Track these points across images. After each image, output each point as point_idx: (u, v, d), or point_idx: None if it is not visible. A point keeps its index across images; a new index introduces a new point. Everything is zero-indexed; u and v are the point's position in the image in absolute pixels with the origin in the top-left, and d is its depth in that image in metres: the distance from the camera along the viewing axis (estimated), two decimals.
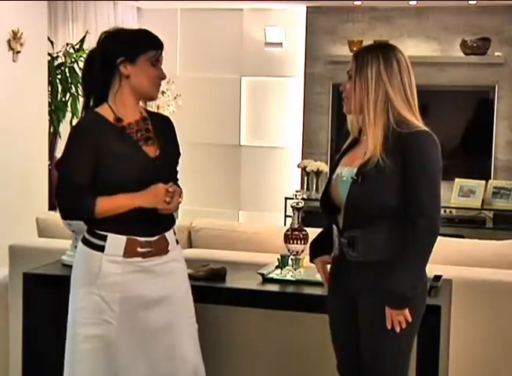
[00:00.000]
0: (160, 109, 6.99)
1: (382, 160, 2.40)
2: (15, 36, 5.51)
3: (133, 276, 2.63)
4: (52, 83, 6.30)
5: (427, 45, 7.25)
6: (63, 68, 6.51)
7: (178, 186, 2.72)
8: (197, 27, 8.00)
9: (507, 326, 3.14)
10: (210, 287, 2.86)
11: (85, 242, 2.67)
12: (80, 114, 2.74)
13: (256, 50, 7.89)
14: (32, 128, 5.78)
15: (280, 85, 7.90)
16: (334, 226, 2.58)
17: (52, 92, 6.35)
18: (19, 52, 5.56)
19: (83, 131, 2.63)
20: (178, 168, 2.79)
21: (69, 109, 6.50)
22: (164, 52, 2.69)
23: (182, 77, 7.81)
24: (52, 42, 6.53)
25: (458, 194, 6.83)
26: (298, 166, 7.28)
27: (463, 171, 6.94)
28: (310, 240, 2.83)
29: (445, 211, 6.75)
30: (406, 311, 2.41)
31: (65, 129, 6.57)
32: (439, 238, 2.45)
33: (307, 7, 7.55)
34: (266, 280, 3.04)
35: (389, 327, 2.42)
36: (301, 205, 3.10)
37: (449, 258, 3.27)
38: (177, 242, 2.76)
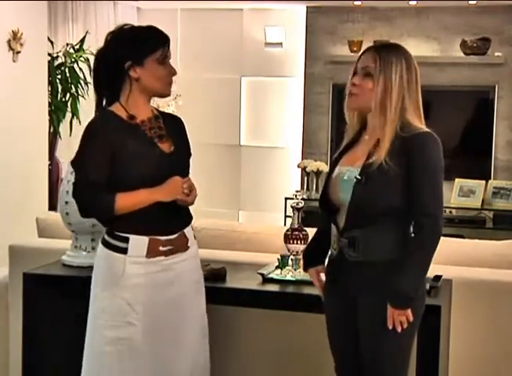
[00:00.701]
0: (160, 109, 6.98)
1: (385, 162, 2.40)
2: (15, 36, 5.51)
3: (155, 276, 2.63)
4: (52, 83, 6.30)
5: (427, 45, 7.25)
6: (63, 68, 6.52)
7: None
8: (197, 27, 8.00)
9: (507, 326, 3.14)
10: (210, 287, 2.86)
11: (106, 244, 2.65)
12: (94, 113, 2.72)
13: (256, 50, 7.89)
14: (32, 128, 5.78)
15: (280, 85, 7.90)
16: (333, 226, 2.57)
17: (52, 92, 6.35)
18: (19, 52, 5.56)
19: (97, 129, 2.62)
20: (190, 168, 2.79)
21: (69, 109, 6.51)
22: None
23: (182, 77, 7.79)
24: (52, 42, 6.53)
25: (458, 194, 6.83)
26: (298, 166, 7.28)
27: (463, 171, 6.94)
28: (306, 244, 2.84)
29: (445, 211, 6.71)
30: (409, 311, 2.41)
31: (65, 129, 6.58)
32: None
33: (307, 7, 7.55)
34: (266, 280, 3.04)
35: (390, 327, 2.42)
36: (301, 205, 3.10)
37: (449, 258, 3.27)
38: (194, 237, 2.77)
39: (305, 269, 2.75)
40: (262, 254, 3.40)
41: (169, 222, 2.66)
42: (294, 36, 7.73)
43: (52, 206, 5.92)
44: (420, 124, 2.47)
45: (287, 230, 3.09)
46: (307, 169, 7.10)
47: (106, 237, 2.66)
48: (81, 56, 6.53)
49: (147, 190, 2.59)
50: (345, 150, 2.61)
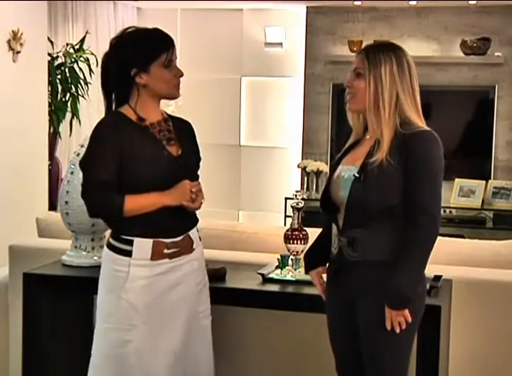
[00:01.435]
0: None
1: (386, 160, 2.41)
2: (15, 36, 5.50)
3: (160, 278, 2.63)
4: (52, 83, 6.31)
5: (427, 45, 7.26)
6: (63, 68, 6.52)
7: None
8: (197, 27, 8.01)
9: (507, 326, 3.14)
10: (210, 287, 2.85)
11: (111, 247, 2.65)
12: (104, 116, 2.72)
13: (256, 50, 7.90)
14: (32, 128, 5.78)
15: (280, 85, 7.91)
16: (334, 225, 2.58)
17: (52, 92, 6.35)
18: (19, 52, 5.56)
19: (106, 129, 2.62)
20: (199, 173, 2.78)
21: (69, 109, 6.51)
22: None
23: (182, 77, 7.80)
24: (52, 42, 6.53)
25: (458, 194, 6.83)
26: (298, 166, 7.28)
27: (463, 171, 6.94)
28: (307, 245, 2.84)
29: (444, 211, 6.75)
30: (406, 311, 2.41)
31: (65, 129, 6.59)
32: (439, 238, 2.45)
33: (307, 7, 7.55)
34: (266, 280, 3.04)
35: (389, 328, 2.42)
36: (301, 205, 3.10)
37: (449, 258, 3.27)
38: (200, 239, 2.77)
39: (307, 272, 2.76)
40: (262, 254, 3.40)
41: (174, 224, 2.66)
42: (294, 36, 7.74)
43: (52, 206, 5.93)
44: (419, 120, 2.48)
45: (287, 230, 3.09)
46: (307, 169, 7.10)
47: (111, 240, 2.66)
48: (81, 56, 6.53)
49: (156, 194, 2.59)
50: (348, 151, 2.62)
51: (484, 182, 6.83)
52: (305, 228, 3.08)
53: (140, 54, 2.61)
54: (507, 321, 3.14)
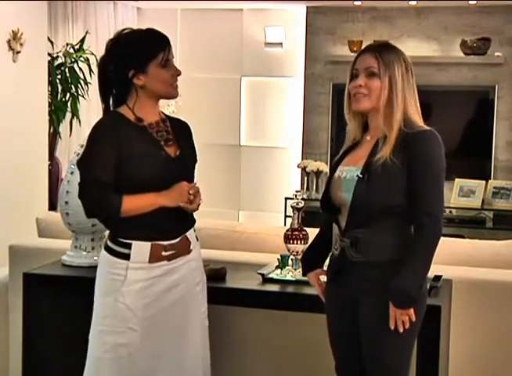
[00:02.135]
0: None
1: (390, 159, 2.41)
2: (15, 36, 5.50)
3: (158, 280, 2.63)
4: (52, 83, 6.30)
5: (427, 45, 7.25)
6: (63, 68, 6.52)
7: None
8: (197, 27, 8.01)
9: (507, 326, 3.14)
10: (210, 287, 2.85)
11: (109, 250, 2.65)
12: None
13: (256, 50, 7.89)
14: (32, 128, 5.78)
15: (280, 85, 7.91)
16: (335, 226, 2.57)
17: (52, 92, 6.35)
18: (19, 52, 5.55)
19: (104, 129, 2.62)
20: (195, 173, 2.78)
21: (69, 109, 6.51)
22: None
23: (182, 77, 7.77)
24: (52, 42, 6.53)
25: (458, 194, 6.83)
26: (298, 166, 7.28)
27: (463, 171, 6.94)
28: (306, 247, 2.84)
29: (444, 211, 6.71)
30: (411, 310, 2.41)
31: (65, 129, 6.59)
32: None
33: (307, 7, 7.55)
34: (266, 280, 3.04)
35: (392, 327, 2.41)
36: (301, 205, 3.10)
37: (449, 258, 3.27)
38: (196, 238, 2.77)
39: (304, 274, 2.75)
40: (262, 254, 3.40)
41: (171, 226, 2.65)
42: (294, 36, 7.74)
43: (52, 206, 5.93)
44: (420, 121, 2.50)
45: (287, 230, 3.09)
46: (307, 169, 7.10)
47: (109, 243, 2.66)
48: (81, 56, 6.53)
49: (153, 194, 2.58)
50: (346, 153, 2.62)
51: (484, 182, 6.83)
52: (305, 228, 3.08)
53: (137, 55, 2.61)
54: (507, 321, 3.14)
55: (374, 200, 2.43)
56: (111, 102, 2.69)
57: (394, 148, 2.43)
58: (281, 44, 7.82)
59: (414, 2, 7.00)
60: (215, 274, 3.02)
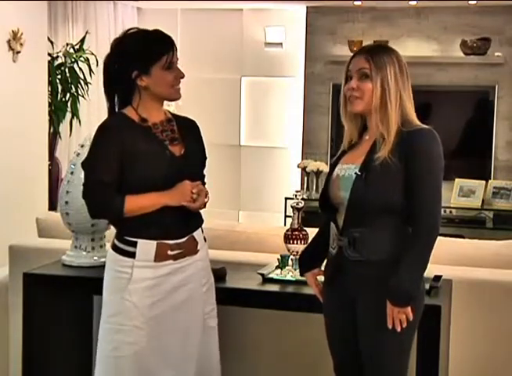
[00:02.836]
0: None
1: (389, 158, 2.42)
2: (15, 36, 5.51)
3: (164, 279, 2.63)
4: (52, 83, 6.30)
5: (427, 45, 7.25)
6: (63, 68, 6.52)
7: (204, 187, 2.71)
8: (197, 27, 8.00)
9: (507, 326, 3.14)
10: None
11: (115, 248, 2.66)
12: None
13: (256, 50, 7.89)
14: (32, 128, 5.78)
15: (280, 85, 7.91)
16: (333, 225, 2.58)
17: (52, 92, 6.35)
18: (19, 52, 5.56)
19: (108, 130, 2.62)
20: (204, 172, 2.78)
21: (69, 109, 6.51)
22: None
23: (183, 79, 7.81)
24: (52, 42, 6.53)
25: (458, 194, 6.83)
26: (298, 166, 7.28)
27: (463, 171, 6.94)
28: (305, 247, 2.85)
29: (445, 211, 6.74)
30: (409, 309, 2.41)
31: (65, 129, 6.59)
32: (439, 238, 2.45)
33: (307, 7, 7.55)
34: (266, 280, 3.04)
35: (390, 326, 2.42)
36: (301, 205, 3.10)
37: (449, 258, 3.27)
38: (204, 239, 2.77)
39: (302, 274, 2.76)
40: (262, 254, 3.40)
41: (178, 225, 2.65)
42: (294, 36, 7.74)
43: (52, 206, 5.93)
44: (417, 121, 2.51)
45: (287, 230, 3.09)
46: (307, 169, 7.10)
47: (116, 241, 2.67)
48: (81, 56, 6.53)
49: (156, 194, 2.59)
50: (345, 152, 2.62)
51: (484, 182, 6.83)
52: (305, 228, 3.08)
53: (141, 57, 2.61)
54: (507, 321, 3.14)
55: (372, 198, 2.43)
56: (116, 102, 2.70)
57: (392, 147, 2.43)
58: (281, 44, 7.82)
59: (414, 2, 7.00)
60: (215, 274, 3.02)
